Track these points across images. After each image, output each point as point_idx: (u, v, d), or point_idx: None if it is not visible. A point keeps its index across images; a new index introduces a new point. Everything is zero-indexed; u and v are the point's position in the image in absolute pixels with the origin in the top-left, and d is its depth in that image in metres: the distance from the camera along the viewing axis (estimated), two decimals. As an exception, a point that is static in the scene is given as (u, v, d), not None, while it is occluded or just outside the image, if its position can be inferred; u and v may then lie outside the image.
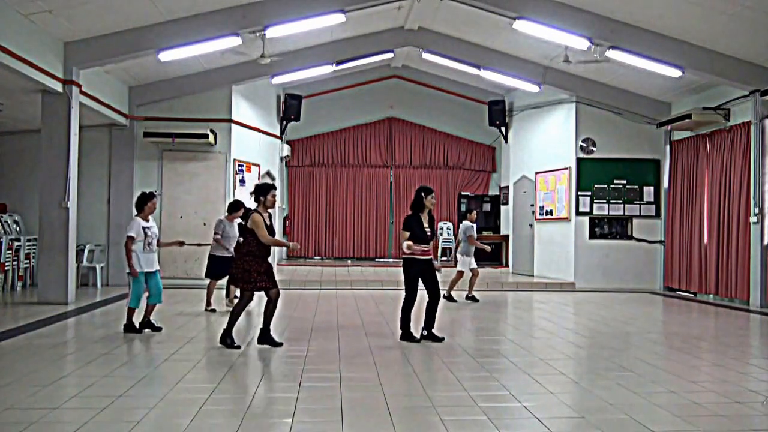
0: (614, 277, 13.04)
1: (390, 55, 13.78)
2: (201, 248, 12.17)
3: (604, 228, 13.17)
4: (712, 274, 11.35)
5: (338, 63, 12.86)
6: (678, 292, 12.46)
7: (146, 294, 7.24)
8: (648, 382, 5.26)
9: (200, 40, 9.72)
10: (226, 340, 6.38)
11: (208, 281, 9.18)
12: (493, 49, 12.44)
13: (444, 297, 10.20)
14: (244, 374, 5.45)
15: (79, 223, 10.32)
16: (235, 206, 9.17)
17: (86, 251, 11.76)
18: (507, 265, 15.32)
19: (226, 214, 9.30)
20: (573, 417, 4.34)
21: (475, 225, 10.66)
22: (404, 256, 6.87)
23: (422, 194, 6.96)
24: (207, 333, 7.33)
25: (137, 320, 7.20)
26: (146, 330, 7.19)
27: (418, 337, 6.85)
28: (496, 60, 12.56)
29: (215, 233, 9.09)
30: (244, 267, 6.35)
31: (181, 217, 12.20)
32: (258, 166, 13.55)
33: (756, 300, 10.25)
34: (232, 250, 8.99)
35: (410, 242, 6.74)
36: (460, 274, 10.57)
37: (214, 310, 9.01)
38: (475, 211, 10.89)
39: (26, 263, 11.66)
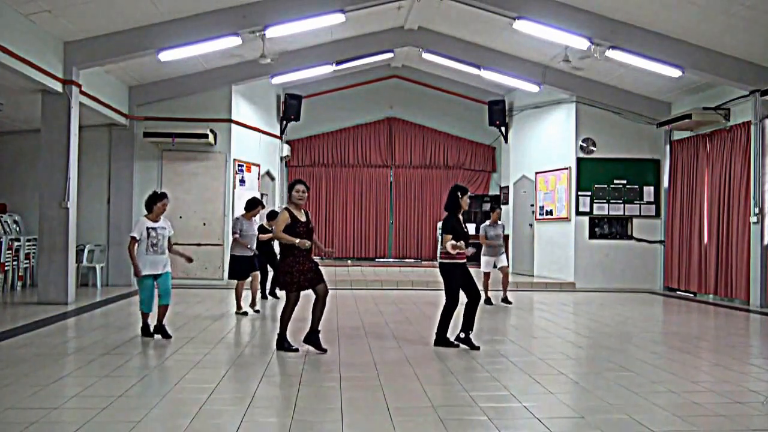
0: (614, 277, 13.05)
1: (390, 55, 13.78)
2: (201, 248, 12.21)
3: (604, 228, 13.17)
4: (712, 274, 11.35)
5: (338, 63, 12.87)
6: (678, 292, 12.47)
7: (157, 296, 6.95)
8: (648, 382, 5.26)
9: (200, 40, 9.73)
10: (283, 344, 6.24)
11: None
12: (493, 49, 12.44)
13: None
14: (244, 374, 5.45)
15: (79, 223, 10.32)
16: (252, 204, 8.98)
17: (86, 251, 11.76)
18: (507, 265, 15.30)
19: (243, 212, 9.06)
20: (573, 417, 4.34)
21: (489, 224, 10.09)
22: (444, 260, 6.58)
23: (458, 194, 6.62)
24: (206, 333, 7.32)
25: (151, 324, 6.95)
26: (157, 336, 6.87)
27: (454, 340, 6.59)
28: (496, 60, 12.57)
29: (233, 232, 8.85)
30: (285, 269, 6.13)
31: (181, 217, 12.20)
32: (258, 166, 13.56)
33: (756, 300, 10.25)
34: (254, 248, 8.85)
35: (454, 242, 6.40)
36: (505, 275, 10.23)
37: (245, 313, 8.69)
38: (498, 210, 10.30)
39: (26, 263, 11.66)
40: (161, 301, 6.94)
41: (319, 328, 6.26)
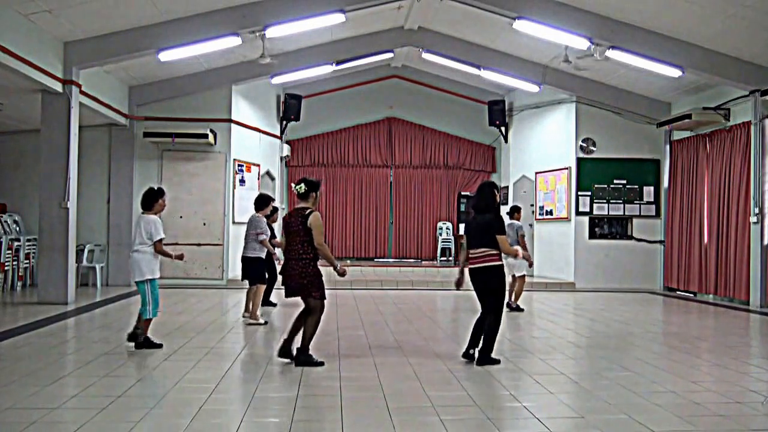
0: (614, 277, 13.04)
1: (390, 55, 13.78)
2: (201, 248, 12.21)
3: (604, 228, 13.17)
4: (712, 274, 11.35)
5: (338, 63, 12.87)
6: (678, 292, 12.47)
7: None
8: (648, 382, 5.26)
9: (200, 40, 9.72)
10: (309, 357, 5.68)
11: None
12: (493, 49, 12.44)
13: (511, 308, 9.35)
14: (244, 374, 5.45)
15: (79, 223, 10.32)
16: (265, 201, 8.29)
17: (86, 251, 11.75)
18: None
19: (258, 211, 8.29)
20: (573, 417, 4.34)
21: (514, 223, 9.44)
22: (497, 263, 5.84)
23: (495, 190, 6.05)
24: (206, 333, 7.32)
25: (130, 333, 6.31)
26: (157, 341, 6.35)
27: (462, 357, 5.96)
28: (496, 60, 12.57)
29: (260, 232, 8.03)
30: (315, 272, 5.64)
31: (181, 217, 12.21)
32: (258, 166, 13.56)
33: (756, 300, 10.25)
34: (265, 250, 8.16)
35: (519, 248, 5.79)
36: (522, 279, 9.54)
37: (266, 323, 7.87)
38: (521, 210, 9.81)
39: (26, 263, 11.66)
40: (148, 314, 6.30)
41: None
